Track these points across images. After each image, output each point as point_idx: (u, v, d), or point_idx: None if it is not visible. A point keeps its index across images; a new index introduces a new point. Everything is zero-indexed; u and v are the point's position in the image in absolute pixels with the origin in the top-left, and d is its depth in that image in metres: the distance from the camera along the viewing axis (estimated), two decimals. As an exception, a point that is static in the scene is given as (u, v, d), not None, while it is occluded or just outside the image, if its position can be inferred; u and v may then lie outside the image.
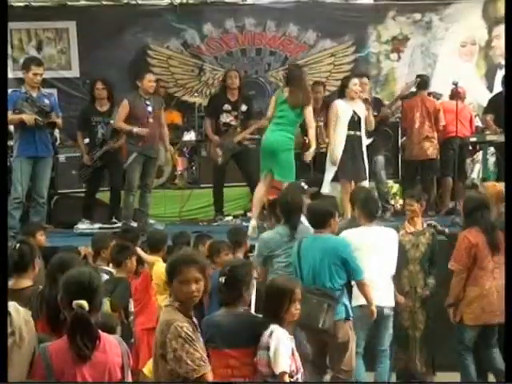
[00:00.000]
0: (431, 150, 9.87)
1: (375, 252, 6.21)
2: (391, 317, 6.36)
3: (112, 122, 9.12)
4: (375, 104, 9.63)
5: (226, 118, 9.59)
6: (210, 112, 9.89)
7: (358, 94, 8.43)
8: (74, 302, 3.41)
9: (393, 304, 6.36)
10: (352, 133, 8.38)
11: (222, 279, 4.54)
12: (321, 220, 5.93)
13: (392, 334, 6.45)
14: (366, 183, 8.44)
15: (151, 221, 9.21)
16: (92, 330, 3.43)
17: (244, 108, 9.63)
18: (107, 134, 9.22)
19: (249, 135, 9.71)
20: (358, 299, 6.16)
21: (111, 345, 3.53)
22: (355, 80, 8.56)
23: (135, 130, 8.79)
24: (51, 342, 3.56)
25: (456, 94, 9.79)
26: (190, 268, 3.94)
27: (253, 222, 7.95)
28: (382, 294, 6.22)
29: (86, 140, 9.39)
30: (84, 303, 3.41)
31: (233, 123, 9.59)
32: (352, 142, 8.37)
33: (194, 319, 3.99)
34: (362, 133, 8.48)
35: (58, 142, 10.25)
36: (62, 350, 3.44)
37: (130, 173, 8.92)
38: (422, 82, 10.15)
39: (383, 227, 6.50)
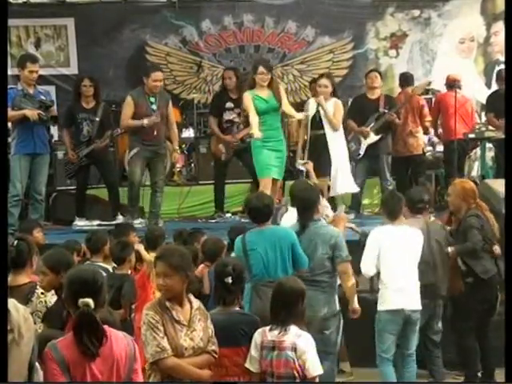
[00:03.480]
0: (415, 145, 9.83)
1: (403, 253, 6.14)
2: (419, 320, 6.24)
3: (97, 119, 9.09)
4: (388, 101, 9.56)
5: (229, 116, 9.60)
6: (214, 110, 9.84)
7: (321, 95, 8.39)
8: (80, 301, 3.44)
9: (420, 307, 6.21)
10: (316, 132, 8.37)
11: (229, 279, 4.54)
12: (264, 214, 5.71)
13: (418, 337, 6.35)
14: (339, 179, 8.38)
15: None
16: (98, 328, 3.45)
17: None
18: (92, 132, 9.16)
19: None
20: (387, 303, 6.13)
21: (118, 339, 3.55)
22: (321, 81, 8.55)
23: (145, 121, 8.61)
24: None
25: (454, 88, 9.76)
26: (159, 262, 4.16)
27: None
28: (412, 297, 6.15)
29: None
30: (90, 301, 3.44)
31: (236, 120, 9.57)
32: (314, 141, 8.34)
33: (175, 312, 4.08)
34: (327, 130, 8.39)
35: (56, 138, 10.24)
36: (71, 345, 3.45)
37: (131, 167, 8.91)
38: (406, 79, 10.14)
39: (410, 227, 6.28)
